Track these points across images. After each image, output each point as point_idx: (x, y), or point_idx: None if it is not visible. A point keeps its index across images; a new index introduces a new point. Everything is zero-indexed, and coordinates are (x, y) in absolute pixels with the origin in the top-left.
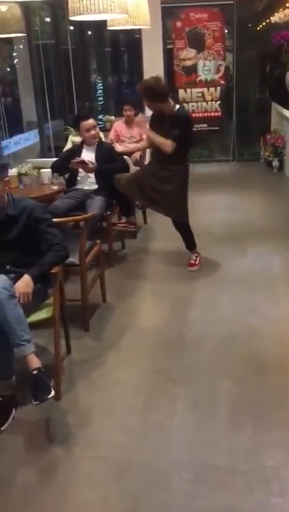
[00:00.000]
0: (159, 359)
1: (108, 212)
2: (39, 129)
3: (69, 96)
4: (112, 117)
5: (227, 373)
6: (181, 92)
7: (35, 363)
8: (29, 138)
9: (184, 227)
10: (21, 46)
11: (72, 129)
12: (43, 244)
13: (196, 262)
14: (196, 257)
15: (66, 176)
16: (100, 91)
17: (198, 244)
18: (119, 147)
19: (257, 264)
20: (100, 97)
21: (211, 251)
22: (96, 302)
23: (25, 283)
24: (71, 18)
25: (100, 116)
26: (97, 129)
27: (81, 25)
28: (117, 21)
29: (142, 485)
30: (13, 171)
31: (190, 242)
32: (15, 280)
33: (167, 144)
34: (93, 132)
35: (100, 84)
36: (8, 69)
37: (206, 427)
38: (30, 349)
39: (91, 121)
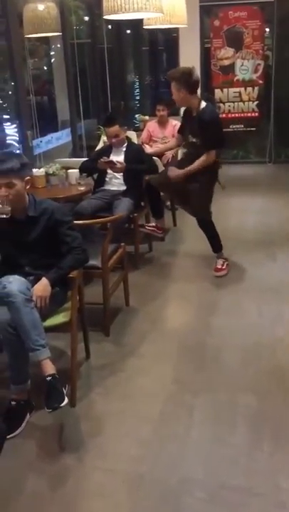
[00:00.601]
0: (178, 368)
1: (135, 214)
2: (71, 128)
3: (104, 95)
4: (147, 117)
5: (249, 386)
6: (217, 91)
7: (49, 369)
8: (61, 137)
9: (207, 226)
10: (58, 45)
11: (104, 129)
12: (63, 246)
13: (223, 267)
14: (224, 262)
15: (95, 176)
16: (138, 90)
17: (226, 248)
18: (148, 149)
19: (287, 272)
20: (137, 96)
21: (240, 256)
22: (119, 306)
23: (43, 286)
24: (105, 17)
25: (137, 116)
26: (123, 135)
27: (118, 24)
28: (153, 20)
29: (153, 501)
30: (41, 171)
31: (215, 244)
32: (34, 282)
33: (207, 161)
34: (114, 141)
35: (138, 84)
36: (45, 68)
37: (222, 443)
38: (44, 354)
39: (114, 128)
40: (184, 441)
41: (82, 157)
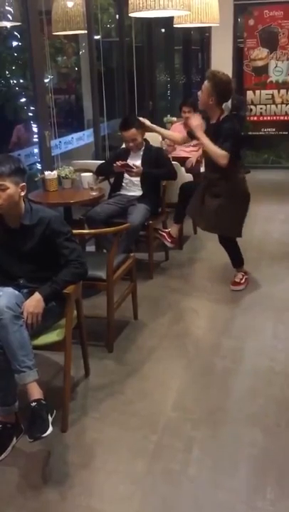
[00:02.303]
0: (181, 393)
1: (150, 222)
2: (94, 129)
3: (131, 95)
4: (174, 118)
5: (256, 419)
6: (249, 93)
7: (35, 393)
8: (82, 138)
9: (229, 243)
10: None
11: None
12: (60, 259)
13: (242, 282)
14: (243, 275)
15: (112, 180)
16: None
17: (246, 260)
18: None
19: None
20: (168, 97)
21: (260, 269)
22: (127, 319)
23: (35, 302)
24: (130, 15)
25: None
26: (141, 138)
27: (149, 23)
28: (183, 18)
29: None
30: (53, 174)
31: (237, 259)
32: (28, 296)
33: (221, 155)
34: (131, 145)
35: (169, 84)
36: (74, 66)
37: (221, 486)
38: (31, 377)
39: (131, 132)
40: (179, 480)
41: (105, 159)
